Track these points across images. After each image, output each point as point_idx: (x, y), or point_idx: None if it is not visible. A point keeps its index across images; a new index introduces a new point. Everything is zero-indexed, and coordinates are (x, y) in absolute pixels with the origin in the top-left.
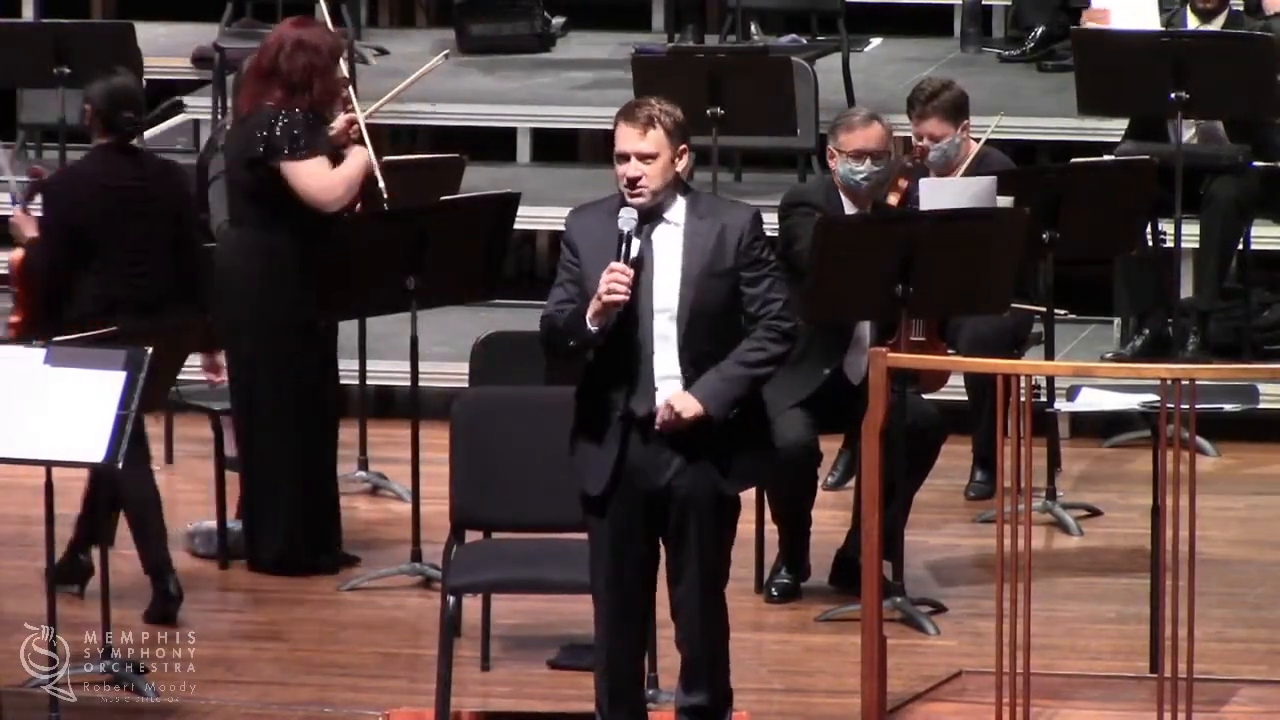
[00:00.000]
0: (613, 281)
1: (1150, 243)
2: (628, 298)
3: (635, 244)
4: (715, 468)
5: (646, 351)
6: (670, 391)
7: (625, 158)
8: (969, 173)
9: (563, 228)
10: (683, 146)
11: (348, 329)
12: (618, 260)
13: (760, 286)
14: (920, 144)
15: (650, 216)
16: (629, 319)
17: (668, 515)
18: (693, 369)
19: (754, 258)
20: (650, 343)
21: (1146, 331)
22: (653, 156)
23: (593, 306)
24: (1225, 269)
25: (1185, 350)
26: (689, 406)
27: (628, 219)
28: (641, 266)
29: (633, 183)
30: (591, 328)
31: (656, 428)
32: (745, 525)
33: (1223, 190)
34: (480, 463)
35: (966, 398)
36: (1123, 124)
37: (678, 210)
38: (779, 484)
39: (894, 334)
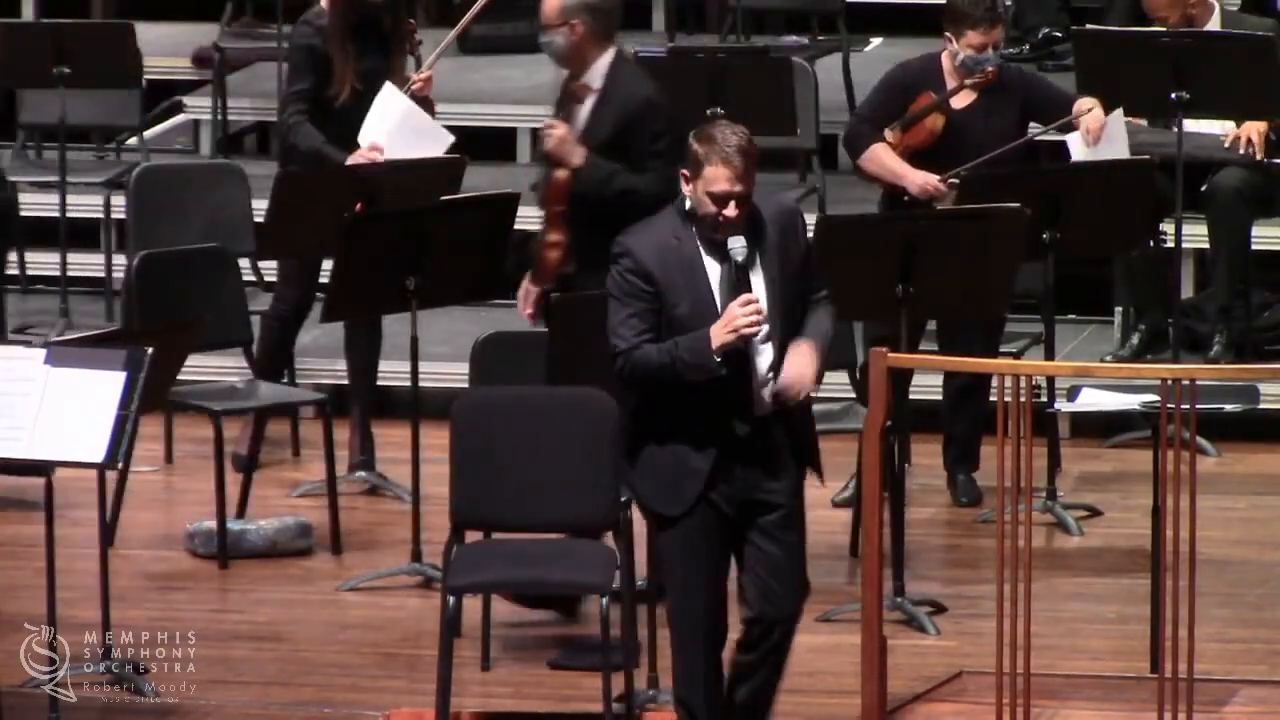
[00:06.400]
0: (754, 313)
1: (1152, 242)
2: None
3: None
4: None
5: (748, 371)
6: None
7: (722, 199)
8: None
9: None
10: None
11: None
12: (735, 292)
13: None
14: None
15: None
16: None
17: (752, 520)
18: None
19: (807, 244)
20: (750, 361)
21: (1142, 327)
22: (749, 195)
23: (723, 339)
24: (1236, 262)
25: (1210, 351)
26: (801, 381)
27: (739, 249)
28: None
29: (730, 220)
30: (717, 358)
31: (779, 403)
32: None
33: (1226, 181)
34: (480, 463)
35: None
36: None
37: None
38: None
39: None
